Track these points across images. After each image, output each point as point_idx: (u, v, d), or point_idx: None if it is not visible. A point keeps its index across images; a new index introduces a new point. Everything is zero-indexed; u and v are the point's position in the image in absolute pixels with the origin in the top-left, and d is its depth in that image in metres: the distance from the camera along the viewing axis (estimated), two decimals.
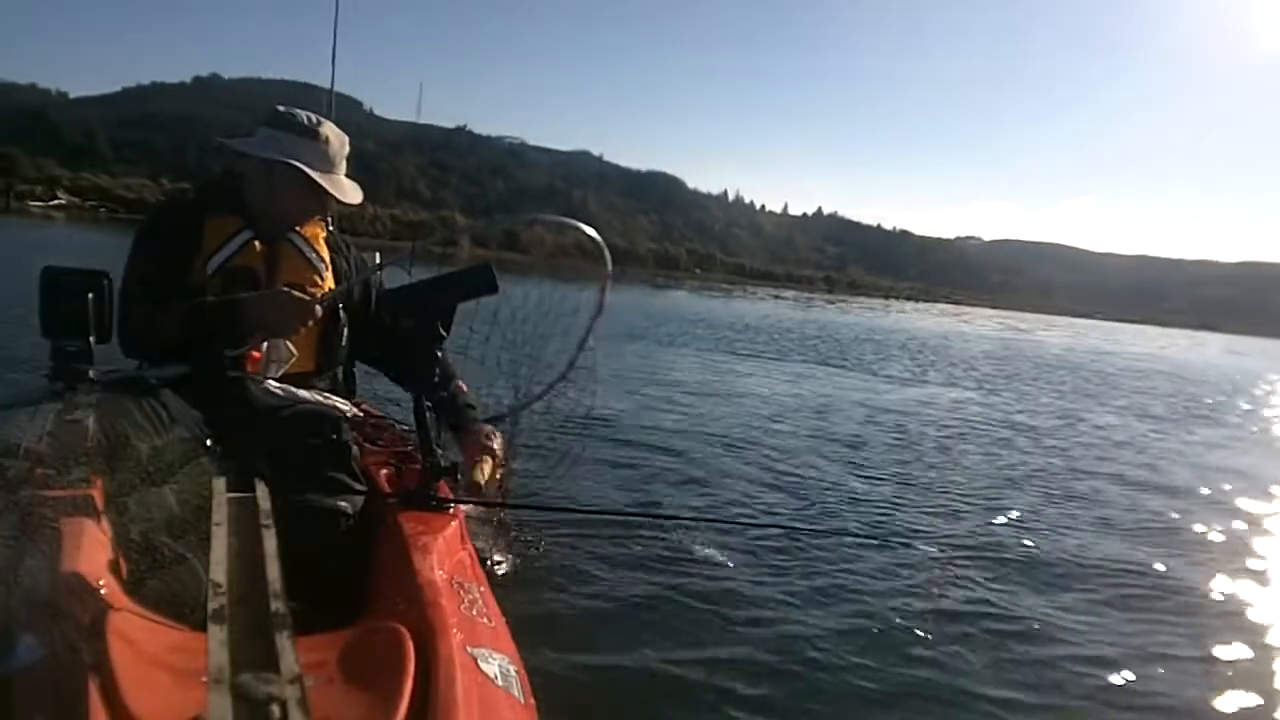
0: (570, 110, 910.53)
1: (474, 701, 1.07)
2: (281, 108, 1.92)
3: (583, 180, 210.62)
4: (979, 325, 36.57)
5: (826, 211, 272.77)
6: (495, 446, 1.97)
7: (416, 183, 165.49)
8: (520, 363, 2.55)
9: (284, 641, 0.92)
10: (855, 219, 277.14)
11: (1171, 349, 33.54)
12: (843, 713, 2.24)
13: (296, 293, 1.77)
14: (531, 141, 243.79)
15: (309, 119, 1.89)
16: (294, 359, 1.86)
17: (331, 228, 2.07)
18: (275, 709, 0.81)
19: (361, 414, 2.15)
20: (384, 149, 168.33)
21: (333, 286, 1.95)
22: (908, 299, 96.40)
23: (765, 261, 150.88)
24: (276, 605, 0.99)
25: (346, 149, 1.94)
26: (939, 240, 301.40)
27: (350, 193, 1.92)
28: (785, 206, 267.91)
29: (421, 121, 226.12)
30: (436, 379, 1.95)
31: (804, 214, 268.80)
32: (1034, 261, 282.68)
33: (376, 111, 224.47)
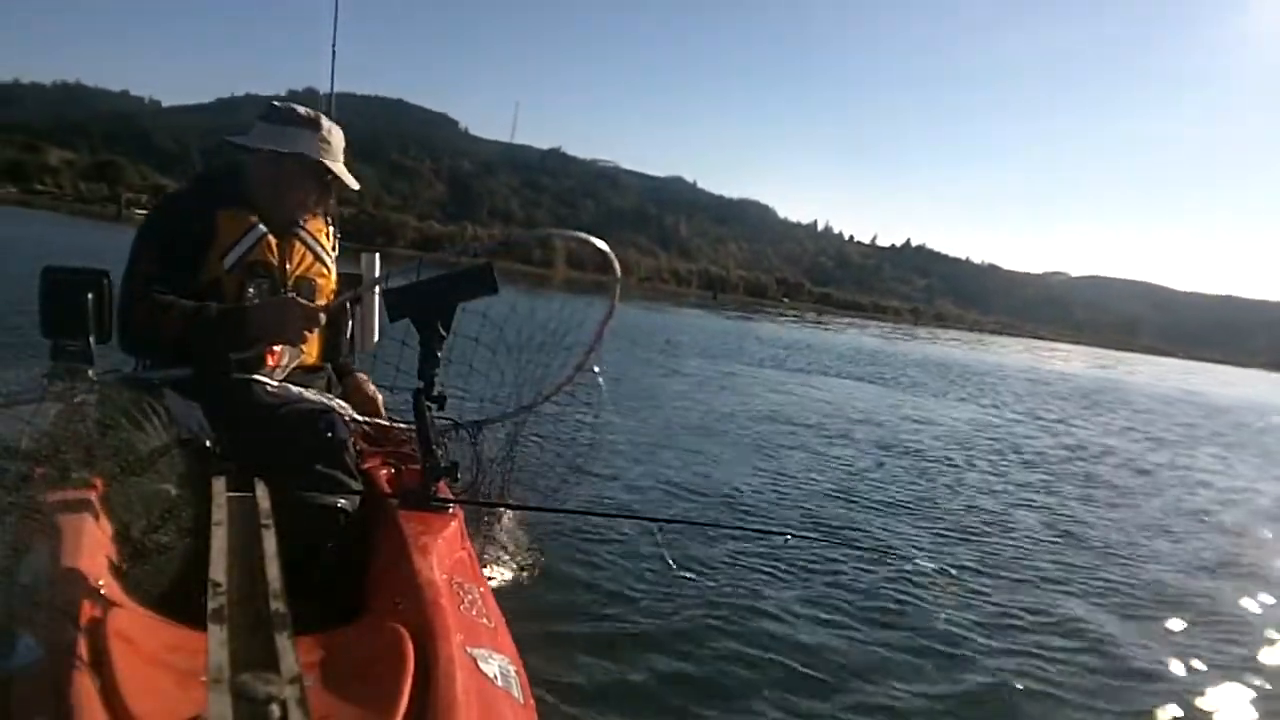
0: (664, 136, 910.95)
1: (473, 701, 1.06)
2: (277, 103, 1.93)
3: (674, 205, 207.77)
4: (1056, 362, 35.41)
5: (915, 243, 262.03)
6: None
7: (510, 202, 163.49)
8: (532, 366, 2.57)
9: (284, 641, 0.92)
10: (944, 251, 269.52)
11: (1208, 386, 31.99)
12: (841, 714, 2.24)
13: (304, 300, 1.78)
14: (625, 165, 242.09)
15: (307, 112, 1.91)
16: (303, 355, 1.89)
17: (332, 226, 2.08)
18: (275, 709, 0.81)
19: (361, 414, 2.15)
20: (478, 168, 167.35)
21: (335, 281, 1.98)
22: (991, 333, 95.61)
23: (853, 292, 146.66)
24: (276, 605, 0.99)
25: (343, 141, 1.97)
26: (1026, 275, 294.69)
27: (353, 180, 1.97)
28: (874, 238, 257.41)
29: (516, 142, 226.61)
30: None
31: (893, 245, 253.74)
32: (1120, 299, 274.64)
33: (471, 131, 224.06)
